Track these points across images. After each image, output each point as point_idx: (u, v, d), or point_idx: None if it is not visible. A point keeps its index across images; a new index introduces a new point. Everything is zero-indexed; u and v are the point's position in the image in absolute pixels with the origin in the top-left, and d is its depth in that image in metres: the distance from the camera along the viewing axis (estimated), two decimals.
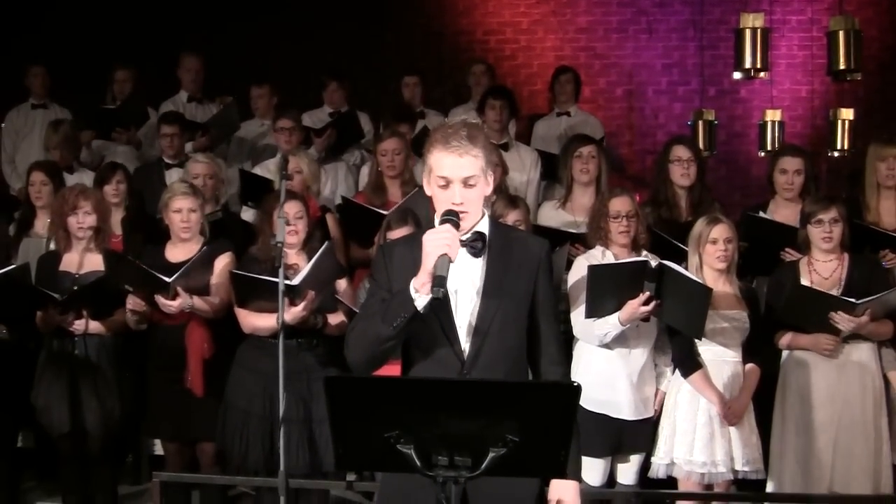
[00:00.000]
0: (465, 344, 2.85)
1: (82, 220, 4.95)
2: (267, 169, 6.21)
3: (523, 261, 2.91)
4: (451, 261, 2.69)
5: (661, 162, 5.45)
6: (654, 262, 4.42)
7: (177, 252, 4.92)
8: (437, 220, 2.83)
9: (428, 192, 2.90)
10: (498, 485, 2.55)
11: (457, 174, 2.79)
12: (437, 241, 2.70)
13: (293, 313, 4.45)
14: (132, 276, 4.77)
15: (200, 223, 4.96)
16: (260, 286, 4.48)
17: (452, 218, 2.76)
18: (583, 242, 4.96)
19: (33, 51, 7.84)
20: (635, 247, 4.69)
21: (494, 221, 2.99)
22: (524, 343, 2.93)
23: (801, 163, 5.25)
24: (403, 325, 2.74)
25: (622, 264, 4.49)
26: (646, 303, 4.35)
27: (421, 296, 2.71)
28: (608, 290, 4.39)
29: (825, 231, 4.58)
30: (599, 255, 4.66)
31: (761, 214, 5.22)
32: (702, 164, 5.42)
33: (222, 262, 4.87)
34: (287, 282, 4.33)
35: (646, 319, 4.48)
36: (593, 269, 4.40)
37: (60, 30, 8.46)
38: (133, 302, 4.80)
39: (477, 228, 2.87)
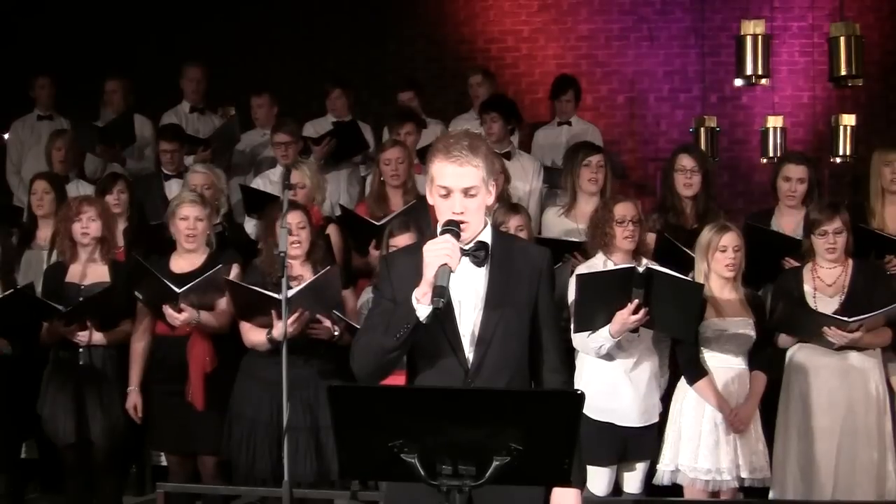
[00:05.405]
0: (469, 353, 2.86)
1: (86, 225, 4.94)
2: (269, 179, 6.21)
3: (525, 269, 2.91)
4: (451, 271, 2.69)
5: (666, 170, 5.46)
6: (641, 268, 4.31)
7: (182, 263, 4.90)
8: (439, 229, 2.84)
9: (430, 201, 2.91)
10: (502, 492, 2.54)
11: (457, 184, 2.80)
12: (437, 251, 2.70)
13: (280, 329, 4.32)
14: (145, 283, 4.75)
15: (207, 234, 4.94)
16: (255, 298, 4.44)
17: (453, 228, 2.77)
18: (583, 252, 4.95)
19: (37, 61, 7.86)
20: (637, 255, 4.63)
21: (497, 230, 2.99)
22: (526, 351, 2.93)
23: (805, 171, 5.24)
24: (406, 336, 2.75)
25: (609, 272, 4.42)
26: (635, 311, 4.27)
27: (422, 306, 2.72)
28: (597, 300, 4.30)
29: (829, 242, 4.56)
30: (600, 265, 4.61)
31: (760, 225, 5.20)
32: (707, 173, 5.39)
33: (229, 274, 4.83)
34: (275, 295, 4.29)
35: (635, 331, 4.37)
36: (581, 279, 4.33)
37: (63, 41, 8.47)
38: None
39: (479, 238, 2.87)
